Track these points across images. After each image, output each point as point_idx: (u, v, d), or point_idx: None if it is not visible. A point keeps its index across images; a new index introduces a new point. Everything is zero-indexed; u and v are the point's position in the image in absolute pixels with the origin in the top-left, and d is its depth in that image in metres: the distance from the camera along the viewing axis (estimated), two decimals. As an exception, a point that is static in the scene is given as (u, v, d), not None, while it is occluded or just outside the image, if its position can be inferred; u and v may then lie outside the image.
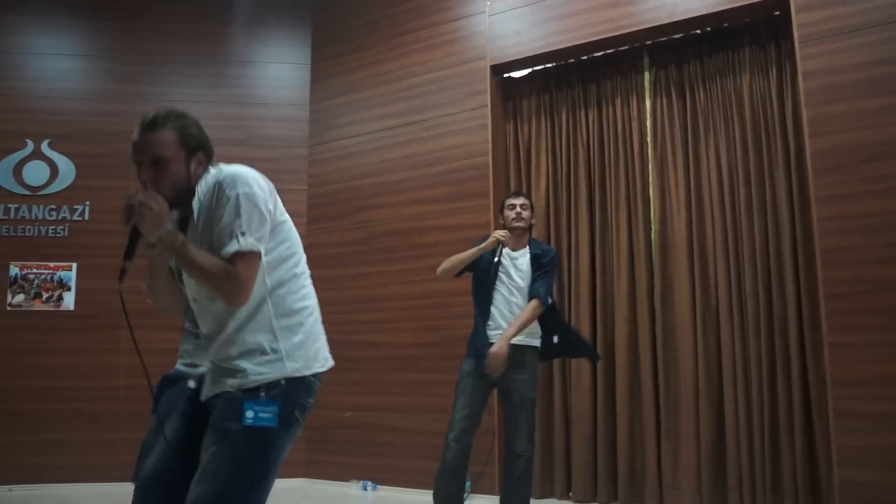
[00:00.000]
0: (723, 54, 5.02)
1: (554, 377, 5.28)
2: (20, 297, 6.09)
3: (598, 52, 5.42)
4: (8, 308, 6.06)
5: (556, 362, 5.24)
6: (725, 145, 4.93)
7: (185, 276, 2.09)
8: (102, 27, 6.57)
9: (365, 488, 5.60)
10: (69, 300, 6.13)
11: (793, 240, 4.60)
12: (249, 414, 1.92)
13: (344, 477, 5.78)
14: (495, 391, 4.16)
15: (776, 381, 4.54)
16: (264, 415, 1.94)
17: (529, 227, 4.13)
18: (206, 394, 2.05)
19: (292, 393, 2.01)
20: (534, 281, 3.99)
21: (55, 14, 6.51)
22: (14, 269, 6.11)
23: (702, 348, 4.80)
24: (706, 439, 4.69)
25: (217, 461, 1.90)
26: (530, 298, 3.96)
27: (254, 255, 1.95)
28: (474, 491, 4.97)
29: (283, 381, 2.00)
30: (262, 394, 1.96)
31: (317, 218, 6.40)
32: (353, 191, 6.22)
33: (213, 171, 2.05)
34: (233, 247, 1.92)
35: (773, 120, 4.78)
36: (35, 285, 6.11)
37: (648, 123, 5.24)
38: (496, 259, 3.94)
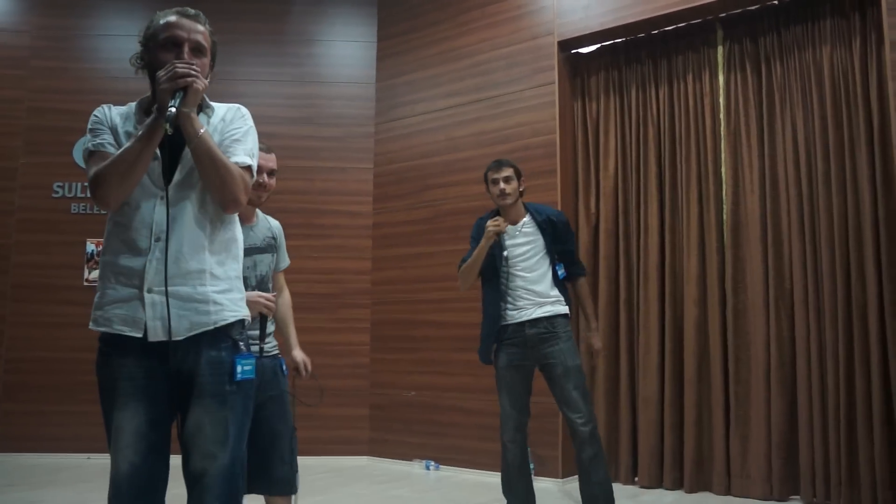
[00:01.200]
0: (801, 25, 4.79)
1: (621, 359, 5.19)
2: (96, 273, 6.29)
3: (669, 25, 5.25)
4: (85, 284, 6.28)
5: (624, 344, 5.16)
6: (802, 121, 4.72)
7: (151, 175, 1.92)
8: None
9: (428, 468, 5.63)
10: (142, 276, 6.30)
11: (874, 221, 4.38)
12: (238, 369, 1.93)
13: (407, 456, 5.83)
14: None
15: (854, 368, 4.35)
16: (247, 367, 1.95)
17: (520, 193, 3.78)
18: (169, 334, 1.85)
19: (245, 341, 2.02)
20: (564, 254, 3.77)
21: (128, -4, 6.65)
22: (91, 246, 6.32)
23: (774, 333, 4.64)
24: (777, 427, 4.55)
25: (224, 428, 1.88)
26: (572, 278, 3.81)
27: (250, 177, 2.00)
28: (538, 474, 4.94)
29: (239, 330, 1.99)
30: (242, 346, 1.96)
31: (382, 197, 6.41)
32: (419, 169, 6.20)
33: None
34: (247, 160, 1.97)
35: (854, 94, 4.54)
36: (110, 262, 6.29)
37: (721, 99, 5.06)
38: (503, 252, 3.69)
